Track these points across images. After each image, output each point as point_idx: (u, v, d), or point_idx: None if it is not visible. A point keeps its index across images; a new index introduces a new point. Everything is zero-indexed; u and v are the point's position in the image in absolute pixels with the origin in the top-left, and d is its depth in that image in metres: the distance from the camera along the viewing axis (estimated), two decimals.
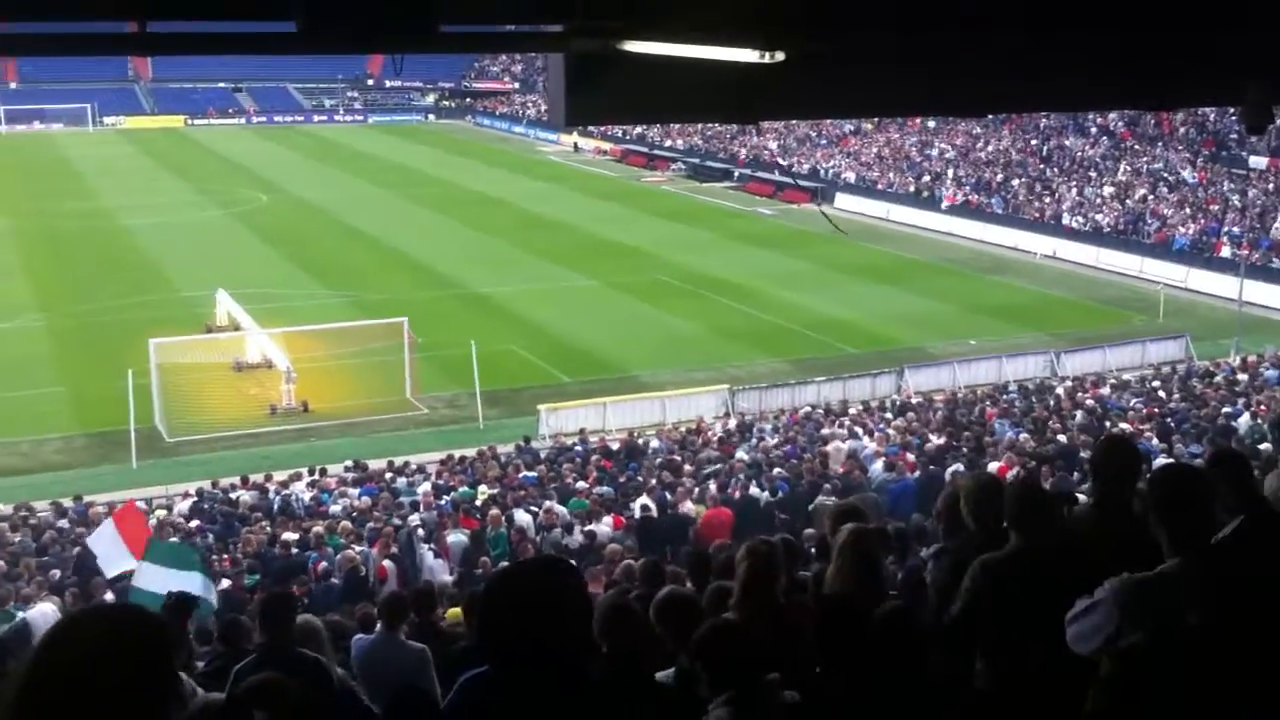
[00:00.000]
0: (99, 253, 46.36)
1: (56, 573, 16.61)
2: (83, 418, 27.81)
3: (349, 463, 23.50)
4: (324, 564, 16.32)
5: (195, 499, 21.18)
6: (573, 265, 44.83)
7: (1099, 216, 50.21)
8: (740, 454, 22.25)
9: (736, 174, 69.09)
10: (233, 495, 21.17)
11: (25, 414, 27.97)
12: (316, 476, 22.27)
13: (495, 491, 20.23)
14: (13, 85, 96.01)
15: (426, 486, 21.06)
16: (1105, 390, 26.80)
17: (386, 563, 16.23)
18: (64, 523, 20.09)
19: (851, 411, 26.29)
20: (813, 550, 10.68)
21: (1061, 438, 21.43)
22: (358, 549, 16.79)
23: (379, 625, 9.22)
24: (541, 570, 3.55)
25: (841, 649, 5.49)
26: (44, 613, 14.03)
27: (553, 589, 3.30)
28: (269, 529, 18.29)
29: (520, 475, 21.52)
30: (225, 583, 15.26)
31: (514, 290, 40.78)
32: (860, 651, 5.47)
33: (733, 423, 26.32)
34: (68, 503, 21.19)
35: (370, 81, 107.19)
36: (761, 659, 4.80)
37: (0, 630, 12.81)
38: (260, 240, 49.72)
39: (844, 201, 60.14)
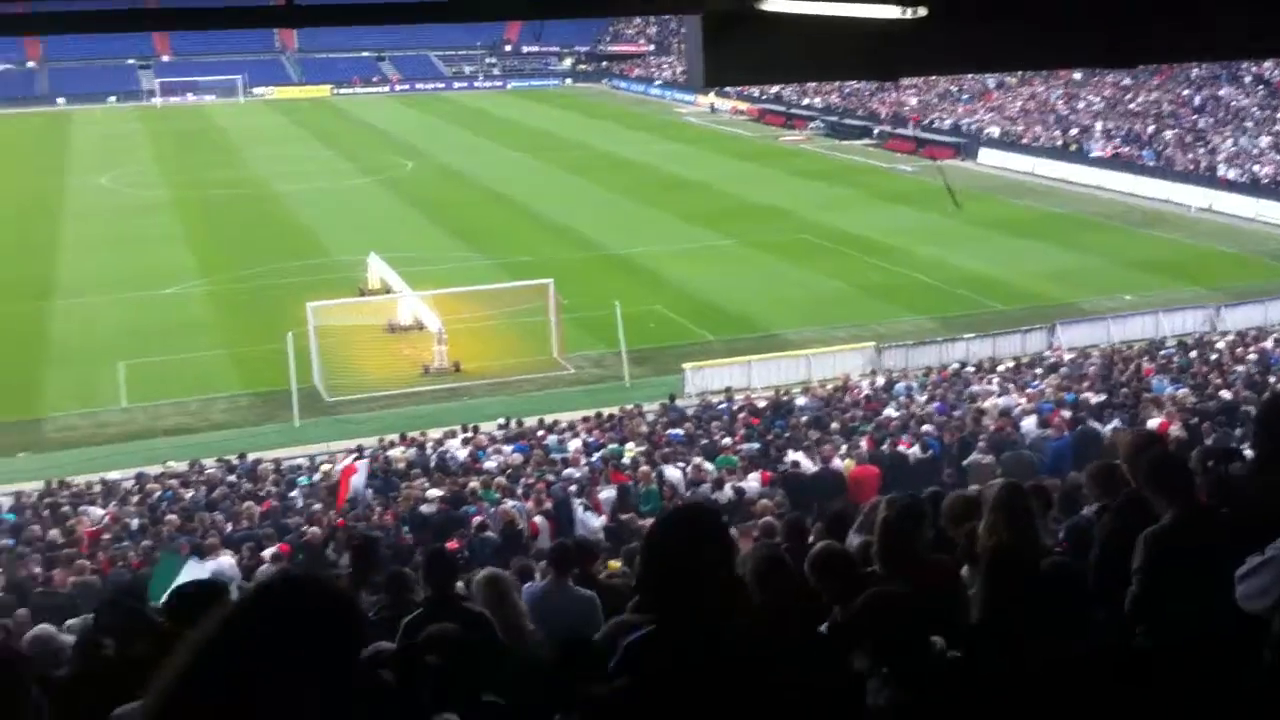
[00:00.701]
0: (254, 220, 47.93)
1: (229, 526, 17.43)
2: (246, 378, 28.92)
3: (501, 420, 24.05)
4: (480, 518, 16.75)
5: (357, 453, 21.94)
6: (713, 226, 44.82)
7: (1256, 168, 48.25)
8: (889, 411, 22.14)
9: (876, 131, 68.11)
10: (391, 453, 21.83)
11: (192, 375, 29.18)
12: (470, 434, 22.84)
13: (643, 449, 20.50)
14: (166, 59, 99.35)
15: (576, 443, 21.47)
16: (1268, 344, 25.92)
17: (539, 518, 16.62)
18: (233, 478, 21.05)
19: (1001, 368, 25.91)
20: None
21: (1225, 393, 20.81)
22: (511, 503, 17.19)
23: (548, 574, 9.50)
24: (697, 514, 3.57)
25: (1007, 599, 5.48)
26: (222, 565, 14.76)
27: (709, 530, 3.33)
28: (426, 485, 18.83)
29: (667, 432, 21.77)
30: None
31: (656, 251, 41.00)
32: (1026, 603, 5.46)
33: (880, 380, 26.16)
34: (235, 460, 22.20)
35: (508, 48, 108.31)
36: (924, 626, 4.69)
37: (184, 575, 13.41)
38: (407, 205, 50.80)
39: (988, 157, 58.89)
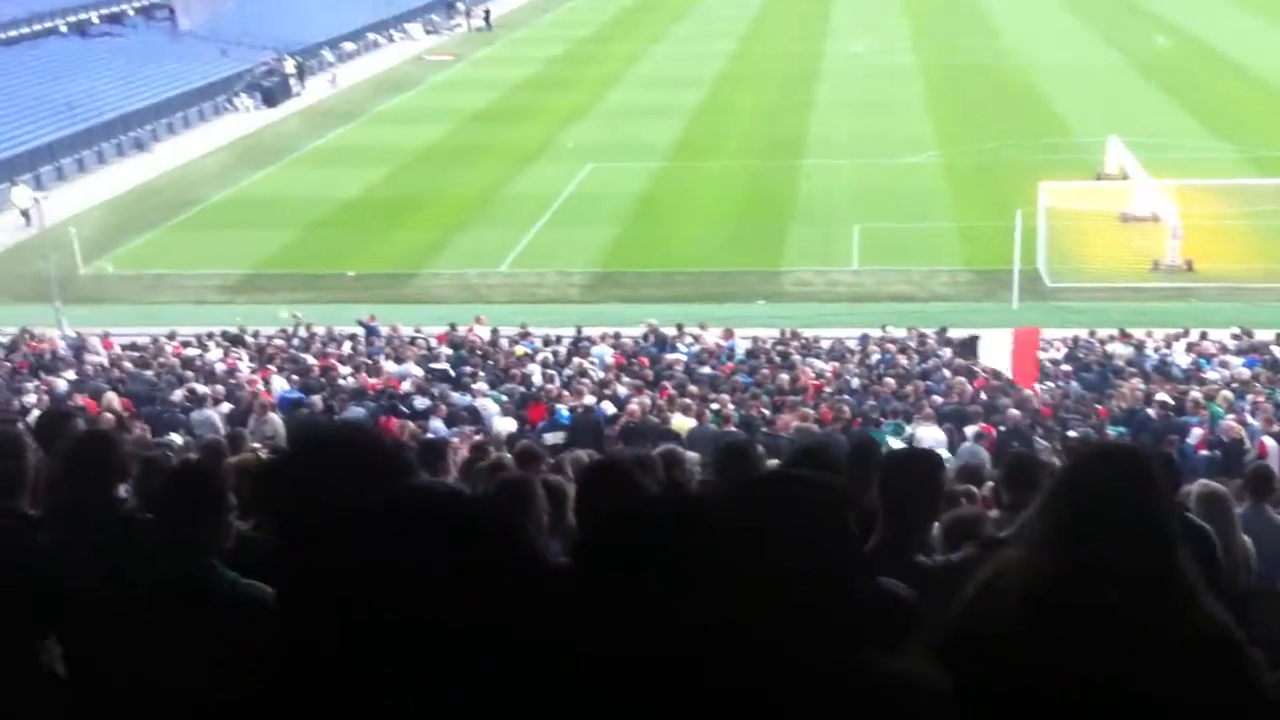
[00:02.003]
0: (997, 92, 47.81)
1: (939, 399, 18.03)
2: (970, 254, 29.43)
3: (1234, 330, 22.46)
4: (1199, 430, 15.94)
5: (1070, 347, 21.71)
6: None
7: None
8: None
9: None
10: (1108, 348, 21.31)
11: (920, 245, 30.24)
12: (1196, 340, 21.65)
13: None
14: None
15: None
16: None
17: (1269, 439, 15.49)
18: (946, 351, 21.71)
19: None
20: None
21: None
22: (1231, 419, 16.15)
23: (1244, 497, 9.00)
24: None
25: None
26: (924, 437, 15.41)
27: None
28: (1143, 386, 18.21)
29: None
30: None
31: None
32: None
33: None
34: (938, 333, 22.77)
35: None
36: None
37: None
38: (1157, 87, 47.92)
39: None
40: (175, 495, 3.78)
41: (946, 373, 19.77)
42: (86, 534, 4.27)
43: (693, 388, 18.32)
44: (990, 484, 8.55)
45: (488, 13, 73.50)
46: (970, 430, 15.98)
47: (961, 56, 55.54)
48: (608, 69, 57.54)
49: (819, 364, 20.86)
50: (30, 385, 18.86)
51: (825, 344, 22.65)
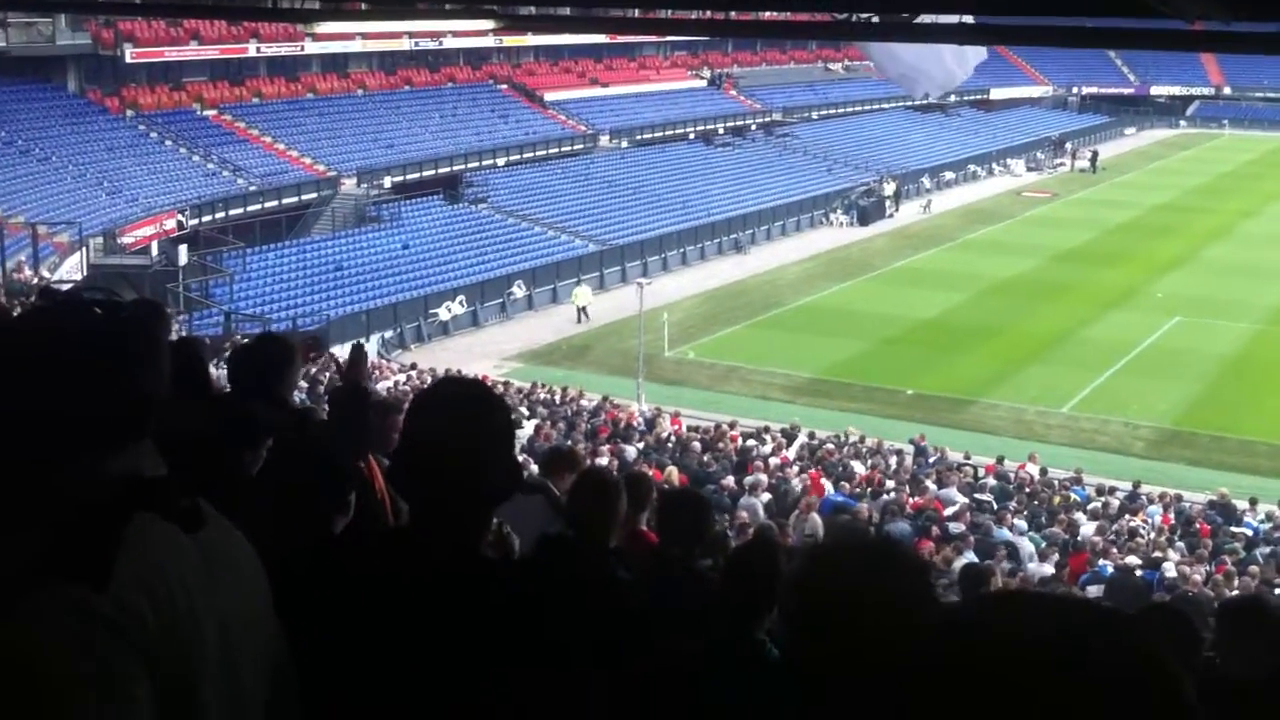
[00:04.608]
0: None
1: None
2: None
3: None
4: None
5: None
6: None
7: None
8: None
9: None
10: None
11: None
12: None
13: None
14: None
15: None
16: None
17: None
18: None
19: None
20: None
21: None
22: None
23: None
24: None
25: None
26: None
27: None
28: None
29: None
30: None
31: None
32: None
33: None
34: None
35: None
36: None
37: None
38: None
39: None
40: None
41: None
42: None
43: (1255, 568, 16.80)
44: None
45: (1095, 154, 71.90)
46: None
47: None
48: (1215, 221, 54.30)
49: None
50: (605, 448, 20.86)
51: None
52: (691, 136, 63.06)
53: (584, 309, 37.86)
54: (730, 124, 66.81)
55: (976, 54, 10.29)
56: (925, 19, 9.28)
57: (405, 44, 54.88)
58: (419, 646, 2.17)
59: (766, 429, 24.47)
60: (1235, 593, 14.46)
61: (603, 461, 19.18)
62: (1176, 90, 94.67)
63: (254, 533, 2.00)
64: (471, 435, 2.34)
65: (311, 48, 51.00)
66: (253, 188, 44.12)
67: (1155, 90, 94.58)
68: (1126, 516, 19.77)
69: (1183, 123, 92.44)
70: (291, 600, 2.08)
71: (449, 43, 55.79)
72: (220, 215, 41.67)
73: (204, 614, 1.65)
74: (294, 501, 3.67)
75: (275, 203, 44.21)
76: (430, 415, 2.43)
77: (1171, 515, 20.44)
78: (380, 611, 2.23)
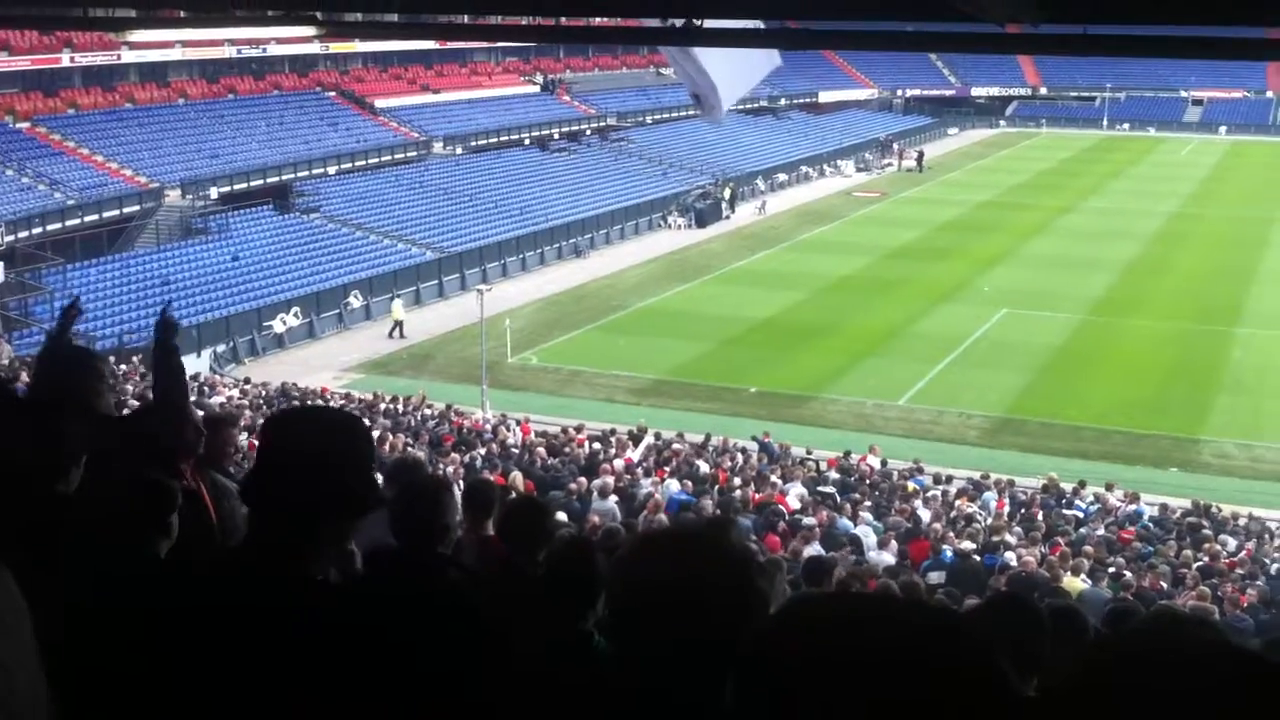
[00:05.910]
0: None
1: None
2: None
3: None
4: None
5: None
6: None
7: None
8: None
9: None
10: None
11: None
12: None
13: None
14: None
15: None
16: None
17: None
18: None
19: None
20: None
21: None
22: None
23: None
24: None
25: None
26: None
27: None
28: None
29: None
30: None
31: None
32: None
33: None
34: None
35: None
36: None
37: None
38: None
39: None
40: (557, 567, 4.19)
41: None
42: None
43: (1088, 548, 17.40)
44: None
45: (921, 154, 74.17)
46: None
47: None
48: (1036, 217, 56.49)
49: (1232, 541, 19.32)
50: (452, 456, 20.57)
51: (1240, 521, 20.94)
52: (526, 142, 62.90)
53: (400, 324, 37.30)
54: (565, 129, 66.84)
55: (770, 61, 10.38)
56: (750, 24, 9.35)
57: (227, 51, 53.49)
58: (238, 680, 2.06)
59: (613, 431, 24.47)
60: (1080, 577, 14.97)
61: (449, 470, 18.93)
62: (995, 91, 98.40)
63: (74, 558, 1.84)
64: (339, 449, 2.34)
65: (129, 56, 49.33)
66: (71, 201, 42.34)
67: (976, 91, 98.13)
68: (961, 502, 20.32)
69: (1002, 122, 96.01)
70: (107, 629, 1.94)
71: (273, 50, 54.57)
72: (38, 231, 39.89)
73: None
74: (110, 524, 3.44)
75: (96, 216, 42.53)
76: (297, 429, 2.44)
77: (1006, 500, 21.10)
78: (201, 644, 2.11)
